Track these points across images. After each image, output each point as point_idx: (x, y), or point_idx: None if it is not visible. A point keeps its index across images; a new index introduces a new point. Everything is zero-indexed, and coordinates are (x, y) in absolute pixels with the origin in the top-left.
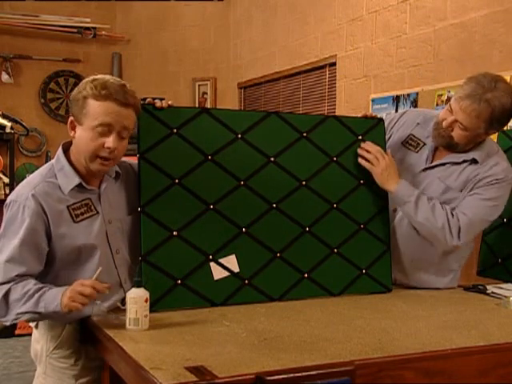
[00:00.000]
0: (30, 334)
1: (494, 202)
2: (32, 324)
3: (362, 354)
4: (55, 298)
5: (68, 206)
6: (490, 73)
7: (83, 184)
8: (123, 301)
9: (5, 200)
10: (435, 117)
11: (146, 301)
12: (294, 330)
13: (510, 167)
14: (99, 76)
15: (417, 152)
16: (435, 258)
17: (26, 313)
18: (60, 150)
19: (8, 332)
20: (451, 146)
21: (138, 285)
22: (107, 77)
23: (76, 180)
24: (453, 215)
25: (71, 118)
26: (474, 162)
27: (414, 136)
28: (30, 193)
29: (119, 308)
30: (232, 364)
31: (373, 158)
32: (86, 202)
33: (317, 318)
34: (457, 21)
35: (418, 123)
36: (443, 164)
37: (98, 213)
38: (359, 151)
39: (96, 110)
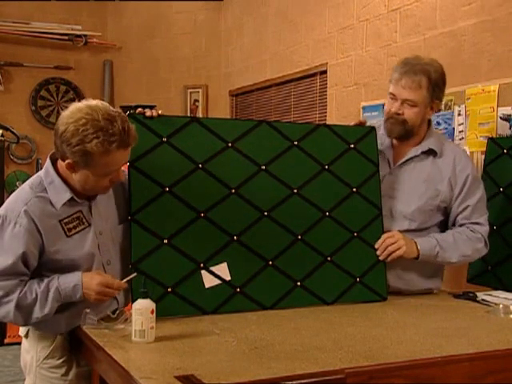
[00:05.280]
0: (20, 343)
1: (483, 193)
2: (22, 334)
3: (353, 362)
4: (74, 289)
5: (60, 221)
6: (408, 56)
7: (75, 198)
8: (115, 311)
9: None
10: (381, 125)
11: (152, 312)
12: (285, 339)
13: (463, 150)
14: (99, 119)
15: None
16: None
17: (50, 311)
18: (49, 163)
19: None
20: (407, 132)
21: (143, 296)
22: (107, 118)
23: (67, 195)
24: (472, 231)
25: (71, 162)
26: (432, 152)
27: None
28: (23, 209)
29: (109, 317)
30: (222, 373)
31: (393, 244)
32: (77, 215)
33: (308, 326)
34: (446, 30)
35: None
36: (405, 162)
37: (89, 225)
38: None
39: (105, 162)
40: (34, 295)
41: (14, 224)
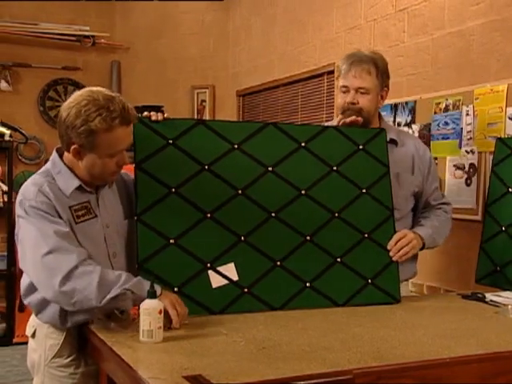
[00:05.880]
0: (28, 343)
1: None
2: (29, 334)
3: (361, 363)
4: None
5: (70, 207)
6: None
7: (83, 186)
8: (123, 310)
9: (3, 207)
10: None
11: (160, 312)
12: (293, 339)
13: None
14: (99, 98)
15: None
16: None
17: (127, 290)
18: (56, 155)
19: (6, 340)
20: (364, 121)
21: (151, 296)
22: (106, 97)
23: (76, 182)
24: (445, 212)
25: (76, 147)
26: (393, 142)
27: None
28: (37, 189)
29: (117, 317)
30: (230, 373)
31: (407, 244)
32: (85, 205)
33: (315, 326)
34: (454, 29)
35: None
36: None
37: (96, 216)
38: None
39: (109, 140)
40: (116, 273)
41: (34, 202)
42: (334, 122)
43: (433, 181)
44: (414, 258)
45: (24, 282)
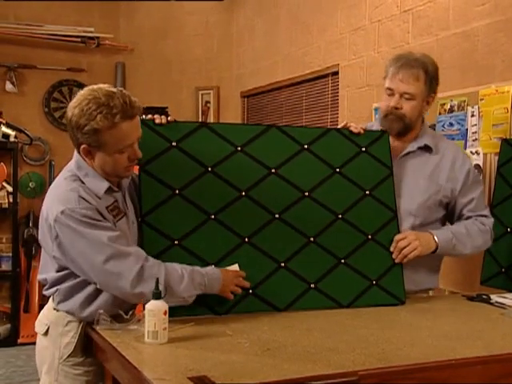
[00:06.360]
0: (33, 343)
1: (482, 187)
2: (40, 332)
3: (366, 364)
4: (218, 279)
5: (106, 207)
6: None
7: (111, 186)
8: (128, 311)
9: (8, 208)
10: (374, 124)
11: (165, 313)
12: (297, 340)
13: (457, 145)
14: (100, 96)
15: None
16: (427, 257)
17: (192, 294)
18: (79, 157)
19: (11, 341)
20: (406, 127)
21: (156, 297)
22: (107, 94)
23: (105, 183)
24: (482, 223)
25: (86, 147)
26: (428, 149)
27: None
28: (77, 196)
29: (122, 317)
30: (235, 374)
31: (407, 246)
32: (116, 204)
33: (320, 327)
34: (459, 30)
35: None
36: (402, 157)
37: (126, 214)
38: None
39: (114, 136)
40: (179, 272)
41: (80, 210)
42: (375, 126)
43: (468, 192)
44: (435, 268)
45: (49, 274)
